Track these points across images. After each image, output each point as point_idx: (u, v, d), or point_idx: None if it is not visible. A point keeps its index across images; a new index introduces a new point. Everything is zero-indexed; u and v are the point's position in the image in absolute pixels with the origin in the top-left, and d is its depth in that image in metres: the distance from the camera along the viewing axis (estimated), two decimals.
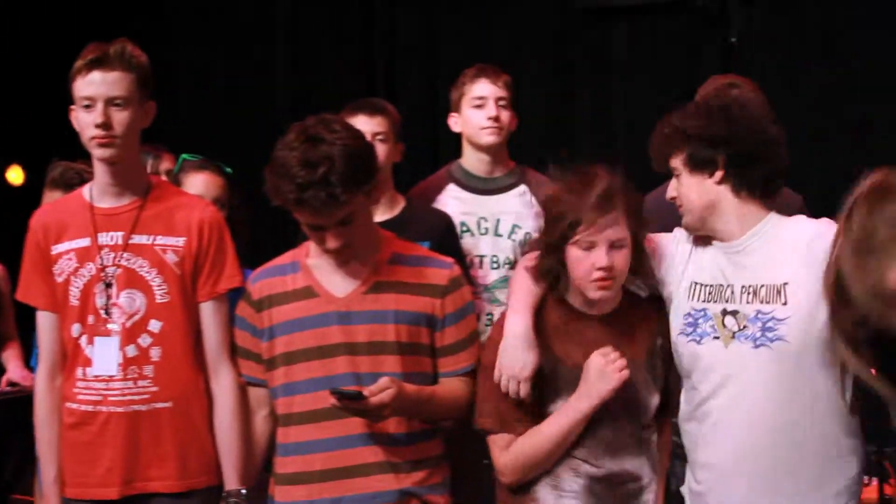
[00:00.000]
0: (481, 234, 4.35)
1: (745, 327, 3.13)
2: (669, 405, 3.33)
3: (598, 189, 3.11)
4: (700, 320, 3.20)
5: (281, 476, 3.34)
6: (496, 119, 4.30)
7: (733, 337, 3.14)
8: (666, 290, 3.31)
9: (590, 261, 3.09)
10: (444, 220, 4.24)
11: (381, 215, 3.98)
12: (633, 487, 3.23)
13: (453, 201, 4.38)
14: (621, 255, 3.12)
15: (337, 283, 3.29)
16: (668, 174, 3.28)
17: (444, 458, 3.40)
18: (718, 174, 3.17)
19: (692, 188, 3.21)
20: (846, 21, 6.80)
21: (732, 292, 3.18)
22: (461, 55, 6.28)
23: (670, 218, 3.34)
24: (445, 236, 4.15)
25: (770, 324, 3.10)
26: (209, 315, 3.40)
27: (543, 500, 3.19)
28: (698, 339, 3.19)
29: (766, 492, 3.11)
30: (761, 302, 3.13)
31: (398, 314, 3.27)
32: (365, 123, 3.97)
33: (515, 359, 3.15)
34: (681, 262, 3.29)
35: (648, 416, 3.26)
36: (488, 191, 4.38)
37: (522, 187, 4.39)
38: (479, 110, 4.32)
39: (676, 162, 3.23)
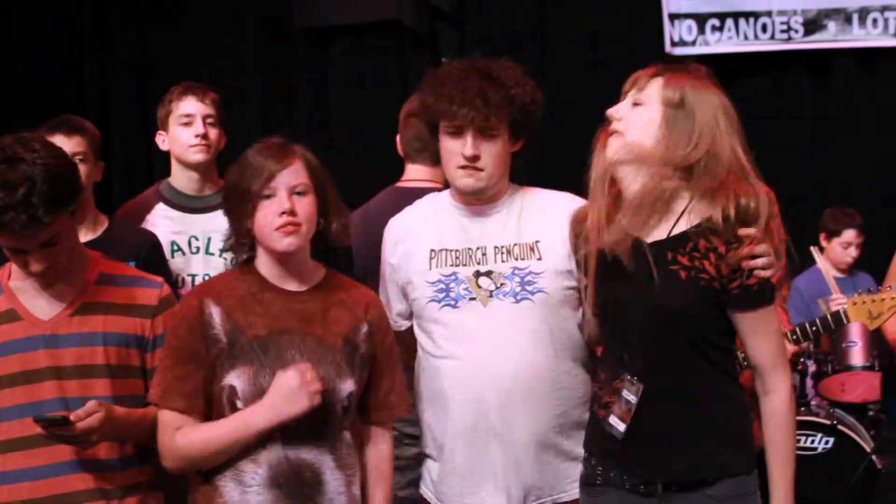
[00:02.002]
0: (192, 254, 4.32)
1: (502, 285, 3.23)
2: (374, 407, 3.22)
3: (274, 142, 3.15)
4: (451, 284, 3.27)
5: None
6: (204, 136, 4.29)
7: (491, 296, 3.24)
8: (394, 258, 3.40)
9: (272, 209, 3.04)
10: (150, 240, 4.17)
11: (83, 236, 3.88)
12: (312, 480, 3.04)
13: (163, 220, 4.33)
14: (304, 202, 3.06)
15: (42, 306, 3.20)
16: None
17: (157, 482, 3.34)
18: (521, 142, 3.30)
19: (501, 153, 3.26)
20: (555, 41, 7.06)
21: (484, 254, 3.27)
22: (179, 72, 6.23)
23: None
24: (151, 255, 4.06)
25: (528, 278, 3.23)
26: None
27: (229, 496, 3.05)
28: (453, 303, 3.26)
29: (524, 422, 3.23)
30: (515, 259, 3.25)
31: (107, 336, 3.21)
32: (63, 143, 3.82)
33: None
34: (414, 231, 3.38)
35: (337, 403, 3.08)
36: (198, 209, 4.34)
37: None
38: (186, 128, 4.30)
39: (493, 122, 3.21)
